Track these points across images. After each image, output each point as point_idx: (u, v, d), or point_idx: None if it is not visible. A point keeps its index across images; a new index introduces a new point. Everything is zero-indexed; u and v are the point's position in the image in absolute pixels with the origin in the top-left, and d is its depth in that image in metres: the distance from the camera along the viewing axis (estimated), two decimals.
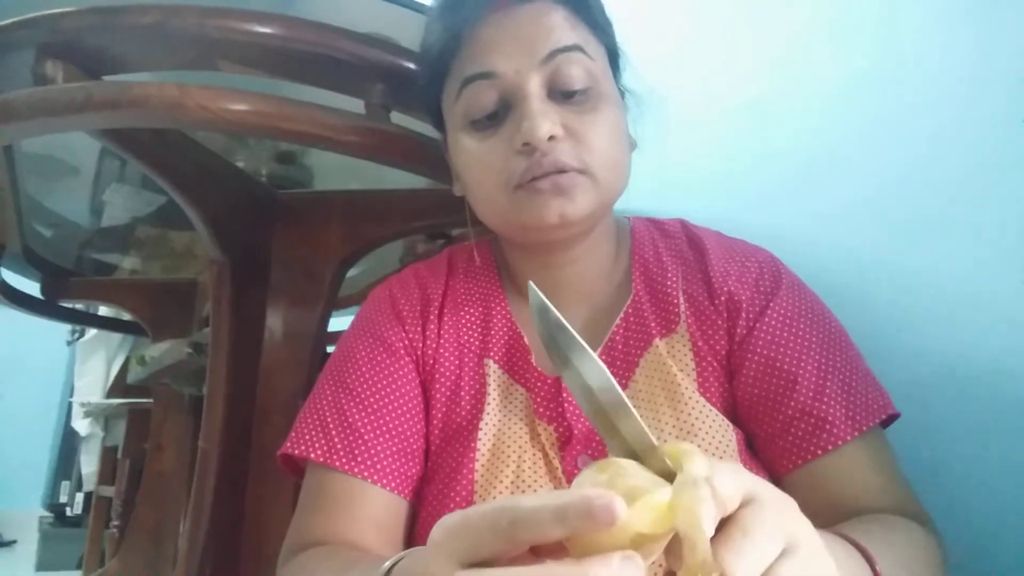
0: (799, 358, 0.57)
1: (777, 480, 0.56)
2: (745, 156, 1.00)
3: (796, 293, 0.61)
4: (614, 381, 0.32)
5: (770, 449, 0.57)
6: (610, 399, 0.32)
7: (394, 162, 0.75)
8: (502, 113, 0.58)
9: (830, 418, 0.54)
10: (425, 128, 0.73)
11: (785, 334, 0.58)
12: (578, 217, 0.57)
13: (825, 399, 0.55)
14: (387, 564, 0.37)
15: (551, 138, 0.55)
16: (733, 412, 0.59)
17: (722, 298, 0.61)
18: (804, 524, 0.32)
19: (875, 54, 0.82)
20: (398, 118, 0.73)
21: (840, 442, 0.54)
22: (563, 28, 0.58)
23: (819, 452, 0.54)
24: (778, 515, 0.31)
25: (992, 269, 0.68)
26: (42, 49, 0.66)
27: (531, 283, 0.33)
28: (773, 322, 0.59)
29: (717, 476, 0.29)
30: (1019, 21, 0.67)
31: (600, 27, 0.61)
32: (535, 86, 0.56)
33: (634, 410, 0.32)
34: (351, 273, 1.07)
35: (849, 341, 0.61)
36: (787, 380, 0.56)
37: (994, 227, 0.68)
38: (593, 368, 0.32)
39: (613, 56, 0.64)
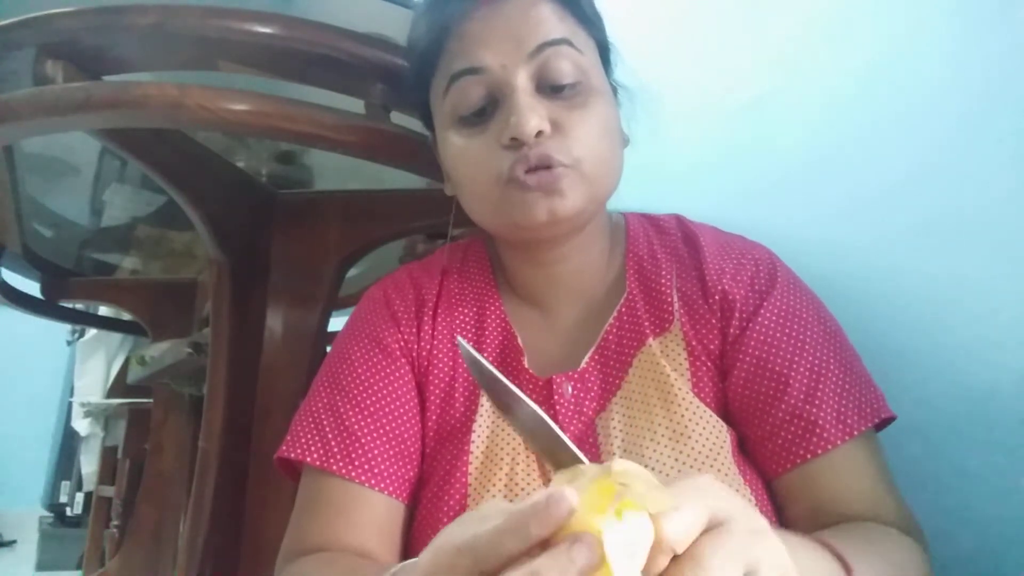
0: (791, 359, 0.56)
1: (767, 483, 0.56)
2: (744, 155, 1.00)
3: (791, 292, 0.61)
4: (549, 421, 0.32)
5: (760, 451, 0.56)
6: (548, 440, 0.33)
7: (394, 162, 0.75)
8: (490, 109, 0.57)
9: (820, 422, 0.54)
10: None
11: (778, 334, 0.58)
12: (568, 214, 0.56)
13: (816, 402, 0.54)
14: None
15: (539, 133, 0.54)
16: (728, 412, 0.58)
17: (716, 296, 0.60)
18: (772, 551, 0.31)
19: (875, 54, 0.82)
20: (398, 118, 0.73)
21: (829, 446, 0.53)
22: (551, 21, 0.57)
23: (807, 456, 0.53)
24: (740, 543, 0.30)
25: (993, 270, 0.68)
26: (42, 49, 0.66)
27: (459, 339, 0.35)
28: (766, 322, 0.58)
29: (666, 516, 0.28)
30: (1020, 19, 0.67)
31: (589, 20, 0.60)
32: (523, 80, 0.56)
33: (572, 446, 0.32)
34: (351, 273, 1.07)
35: (845, 341, 0.60)
36: (778, 382, 0.56)
37: (997, 228, 0.68)
38: (528, 411, 0.32)
39: (603, 50, 0.63)
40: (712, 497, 0.31)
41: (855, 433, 0.54)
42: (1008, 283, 0.66)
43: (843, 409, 0.54)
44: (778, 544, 0.32)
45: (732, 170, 1.02)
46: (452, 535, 0.31)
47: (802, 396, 0.55)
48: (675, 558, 0.29)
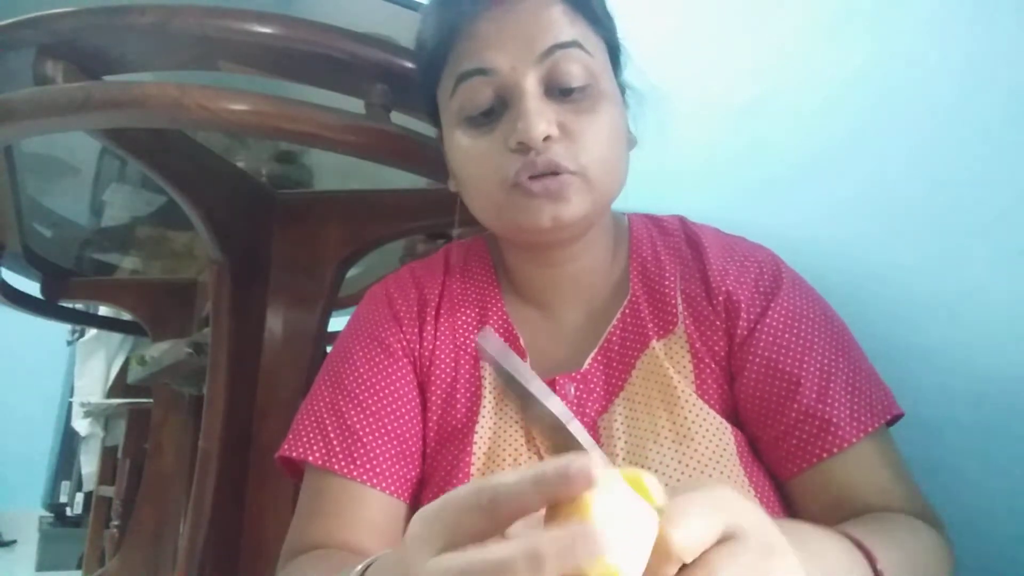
0: (801, 359, 0.56)
1: (783, 484, 0.56)
2: (744, 154, 1.00)
3: (797, 292, 0.60)
4: (565, 422, 0.31)
5: (774, 452, 0.56)
6: (566, 439, 0.31)
7: (394, 162, 0.75)
8: (498, 110, 0.57)
9: (835, 420, 0.54)
10: (425, 128, 0.73)
11: (787, 335, 0.57)
12: (571, 220, 0.56)
13: (829, 401, 0.54)
14: (360, 567, 0.37)
15: (547, 138, 0.54)
16: (734, 414, 0.58)
17: (720, 298, 0.60)
18: (786, 568, 0.30)
19: (875, 54, 0.82)
20: (398, 118, 0.73)
21: (845, 444, 0.53)
22: (561, 23, 0.56)
23: (824, 455, 0.53)
24: (753, 558, 0.29)
25: (992, 267, 0.68)
26: (42, 49, 0.66)
27: (481, 335, 0.34)
28: (774, 323, 0.58)
29: (678, 525, 0.28)
30: (1017, 20, 0.67)
31: (600, 21, 0.60)
32: (531, 84, 0.55)
33: (594, 447, 0.31)
34: (351, 273, 1.07)
35: (852, 340, 0.60)
36: (790, 382, 0.56)
37: (994, 225, 0.68)
38: (545, 411, 0.31)
39: (613, 52, 0.62)
40: (728, 510, 0.30)
41: (869, 430, 0.54)
42: (1005, 281, 0.67)
43: (856, 407, 0.54)
44: (794, 561, 0.31)
45: (730, 170, 1.02)
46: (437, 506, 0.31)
47: (814, 396, 0.55)
48: (684, 568, 0.28)
